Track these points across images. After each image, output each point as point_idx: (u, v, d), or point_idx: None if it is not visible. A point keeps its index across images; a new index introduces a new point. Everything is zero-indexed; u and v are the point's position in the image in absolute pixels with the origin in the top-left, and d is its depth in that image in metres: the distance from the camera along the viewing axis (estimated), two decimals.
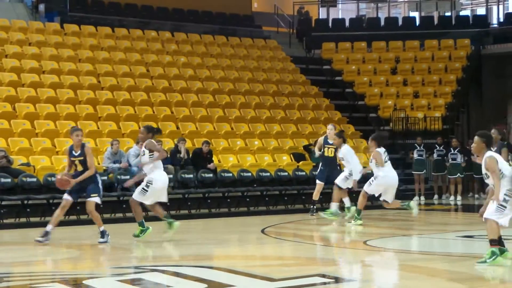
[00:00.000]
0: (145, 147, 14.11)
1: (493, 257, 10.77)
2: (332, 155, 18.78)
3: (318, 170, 19.11)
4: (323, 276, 10.32)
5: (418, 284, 9.89)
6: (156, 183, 14.08)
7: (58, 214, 13.98)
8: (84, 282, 10.06)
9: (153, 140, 14.19)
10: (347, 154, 18.16)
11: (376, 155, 16.48)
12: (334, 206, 17.96)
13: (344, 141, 18.42)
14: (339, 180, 18.19)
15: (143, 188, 14.10)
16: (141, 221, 14.23)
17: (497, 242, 10.81)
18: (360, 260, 12.38)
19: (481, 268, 10.70)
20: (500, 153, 12.30)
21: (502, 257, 10.79)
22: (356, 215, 16.93)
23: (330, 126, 18.97)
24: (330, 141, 18.66)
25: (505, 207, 10.70)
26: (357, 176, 17.86)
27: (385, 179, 16.49)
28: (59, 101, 22.57)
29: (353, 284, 10.02)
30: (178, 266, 11.35)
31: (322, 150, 18.78)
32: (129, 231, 14.59)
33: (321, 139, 19.01)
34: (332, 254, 13.36)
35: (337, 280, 10.26)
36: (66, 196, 13.95)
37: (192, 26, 30.20)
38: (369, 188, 16.72)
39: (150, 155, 14.06)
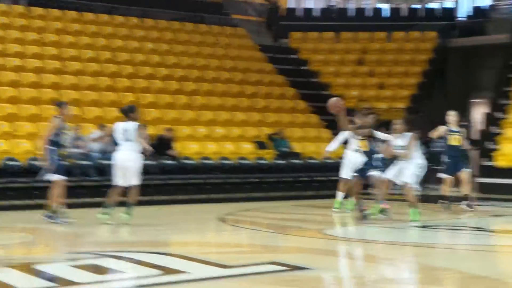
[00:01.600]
0: None
1: None
2: (460, 143, 18.06)
3: (443, 162, 18.06)
4: (277, 264, 10.39)
5: (375, 273, 9.96)
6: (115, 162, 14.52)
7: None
8: (36, 267, 10.04)
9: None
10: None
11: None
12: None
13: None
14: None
15: None
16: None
17: None
18: (315, 248, 12.45)
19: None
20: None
21: None
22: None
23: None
24: (455, 128, 17.75)
25: None
26: None
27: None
28: (22, 84, 22.44)
29: (307, 272, 10.05)
30: (134, 252, 11.34)
31: (445, 139, 17.86)
32: (87, 216, 14.58)
33: (441, 127, 17.89)
34: (288, 242, 13.42)
35: (290, 268, 10.31)
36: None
37: (160, 12, 30.05)
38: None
39: None
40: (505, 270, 10.58)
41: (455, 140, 18.13)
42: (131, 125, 14.65)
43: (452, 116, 18.19)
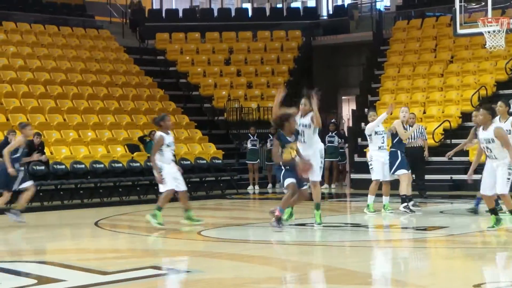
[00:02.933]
0: None
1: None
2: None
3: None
4: (157, 268, 10.23)
5: (251, 273, 9.94)
6: None
7: None
8: None
9: None
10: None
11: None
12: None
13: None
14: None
15: None
16: None
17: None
18: (194, 250, 12.36)
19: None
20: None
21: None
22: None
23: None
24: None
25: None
26: None
27: None
28: None
29: (187, 275, 9.97)
30: (7, 262, 10.97)
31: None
32: None
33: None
34: (167, 246, 13.27)
35: (170, 271, 10.19)
36: None
37: (21, 15, 29.31)
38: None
39: None
40: (380, 266, 10.77)
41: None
42: None
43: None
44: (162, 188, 14.44)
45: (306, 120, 13.98)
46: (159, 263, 10.66)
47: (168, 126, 14.54)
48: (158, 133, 14.46)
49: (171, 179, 14.38)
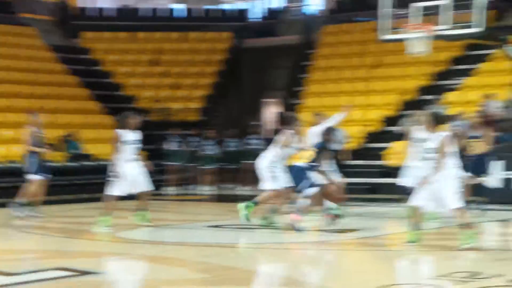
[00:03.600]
0: None
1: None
2: None
3: None
4: (64, 269, 10.04)
5: (166, 275, 9.84)
6: None
7: None
8: None
9: None
10: None
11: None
12: None
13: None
14: None
15: None
16: None
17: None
18: (108, 252, 12.17)
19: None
20: None
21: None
22: None
23: None
24: None
25: None
26: None
27: None
28: None
29: (94, 277, 9.78)
30: None
31: None
32: None
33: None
34: (79, 247, 13.05)
35: (81, 273, 9.97)
36: None
37: None
38: None
39: None
40: (294, 267, 10.76)
41: None
42: None
43: None
44: (113, 191, 14.30)
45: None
46: (68, 264, 10.43)
47: (132, 125, 14.44)
48: (117, 131, 14.37)
49: (127, 182, 14.18)
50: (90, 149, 23.94)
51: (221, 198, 23.24)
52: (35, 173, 16.46)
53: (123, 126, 14.36)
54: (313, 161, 13.90)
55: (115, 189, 14.24)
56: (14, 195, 16.68)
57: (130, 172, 14.26)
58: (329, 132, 14.31)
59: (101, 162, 23.41)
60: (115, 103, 29.01)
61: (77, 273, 9.90)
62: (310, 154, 14.02)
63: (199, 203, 21.83)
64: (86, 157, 23.46)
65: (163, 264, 10.79)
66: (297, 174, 13.96)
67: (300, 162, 13.98)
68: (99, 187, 22.22)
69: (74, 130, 24.09)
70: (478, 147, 16.53)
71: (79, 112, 25.81)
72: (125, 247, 12.71)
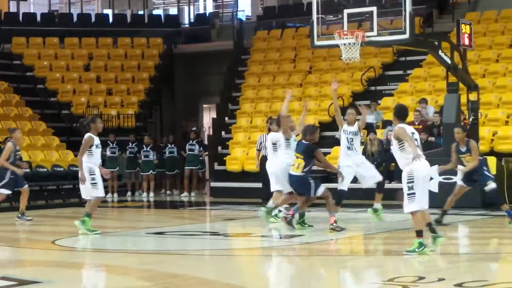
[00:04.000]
0: None
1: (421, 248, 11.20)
2: None
3: None
4: (6, 279, 9.89)
5: (109, 283, 9.78)
6: None
7: None
8: None
9: None
10: None
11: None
12: None
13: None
14: None
15: None
16: None
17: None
18: (48, 260, 12.03)
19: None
20: None
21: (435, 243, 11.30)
22: None
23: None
24: None
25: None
26: None
27: None
28: None
29: (37, 286, 9.65)
30: None
31: None
32: None
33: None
34: (21, 255, 12.89)
35: (20, 282, 9.84)
36: None
37: None
38: None
39: None
40: (237, 274, 10.79)
41: None
42: None
43: None
44: (95, 193, 14.21)
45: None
46: (9, 273, 10.28)
47: (99, 128, 14.46)
48: (87, 134, 14.29)
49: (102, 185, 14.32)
50: (24, 155, 23.58)
51: (160, 205, 23.17)
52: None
53: (92, 130, 14.27)
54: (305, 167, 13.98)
55: (99, 191, 14.27)
56: None
57: (99, 176, 14.28)
58: (313, 131, 14.26)
59: (37, 169, 23.23)
60: (47, 109, 28.68)
61: (19, 283, 9.79)
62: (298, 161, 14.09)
63: (139, 210, 21.72)
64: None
65: (105, 272, 10.73)
66: (299, 183, 14.15)
67: (296, 172, 14.02)
68: (37, 194, 22.23)
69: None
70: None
71: (12, 119, 25.43)
72: (66, 255, 12.61)
